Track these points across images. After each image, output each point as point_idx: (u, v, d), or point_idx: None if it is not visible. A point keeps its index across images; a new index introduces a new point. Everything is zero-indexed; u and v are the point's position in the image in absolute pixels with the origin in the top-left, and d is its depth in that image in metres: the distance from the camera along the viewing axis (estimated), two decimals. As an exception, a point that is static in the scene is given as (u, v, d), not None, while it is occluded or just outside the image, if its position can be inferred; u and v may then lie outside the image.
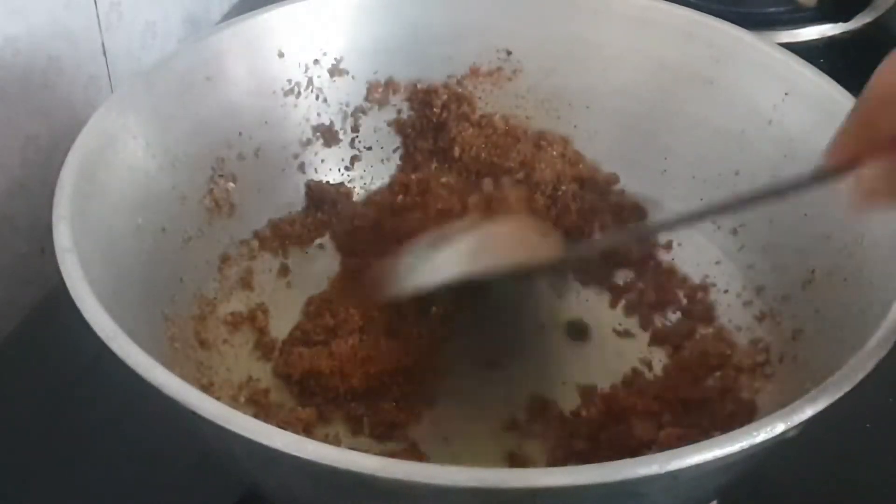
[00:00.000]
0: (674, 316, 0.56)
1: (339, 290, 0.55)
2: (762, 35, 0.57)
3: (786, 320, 0.51)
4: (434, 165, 0.60)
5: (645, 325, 0.55)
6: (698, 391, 0.50)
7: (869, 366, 0.37)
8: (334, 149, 0.60)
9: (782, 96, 0.53)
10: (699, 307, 0.55)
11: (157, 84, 0.51)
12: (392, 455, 0.47)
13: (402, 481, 0.32)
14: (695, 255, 0.57)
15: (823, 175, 0.38)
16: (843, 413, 0.36)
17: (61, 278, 0.39)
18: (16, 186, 0.58)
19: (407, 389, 0.51)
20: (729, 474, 0.38)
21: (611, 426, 0.48)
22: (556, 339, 0.55)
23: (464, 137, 0.59)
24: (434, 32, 0.59)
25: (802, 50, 0.55)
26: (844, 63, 0.72)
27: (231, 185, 0.55)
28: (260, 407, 0.50)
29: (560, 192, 0.59)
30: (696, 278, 0.57)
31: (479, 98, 0.61)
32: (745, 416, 0.48)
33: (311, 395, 0.51)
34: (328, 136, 0.59)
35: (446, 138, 0.59)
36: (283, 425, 0.38)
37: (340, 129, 0.60)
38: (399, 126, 0.61)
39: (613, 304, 0.57)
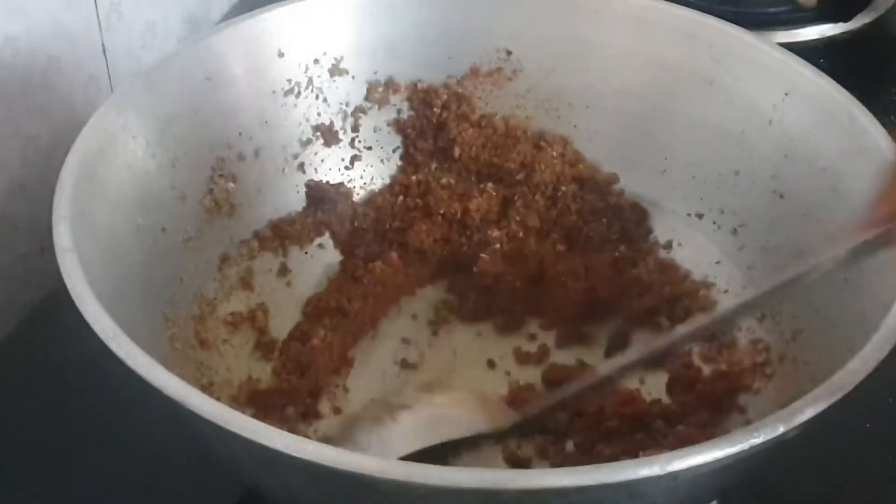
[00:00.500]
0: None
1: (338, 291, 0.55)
2: (762, 35, 0.57)
3: (786, 320, 0.51)
4: (434, 166, 0.60)
5: None
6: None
7: (869, 366, 0.37)
8: (334, 149, 0.60)
9: (782, 96, 0.53)
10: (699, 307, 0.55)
11: (157, 84, 0.51)
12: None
13: (401, 482, 0.32)
14: (695, 255, 0.57)
15: (871, 245, 0.37)
16: (843, 413, 0.36)
17: (61, 278, 0.39)
18: (16, 186, 0.58)
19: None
20: (729, 475, 0.38)
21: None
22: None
23: (464, 138, 0.59)
24: (434, 32, 0.59)
25: (802, 50, 0.55)
26: (844, 63, 0.72)
27: (231, 185, 0.55)
28: (260, 407, 0.50)
29: (560, 193, 0.59)
30: (696, 278, 0.56)
31: (479, 98, 0.61)
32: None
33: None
34: (328, 135, 0.59)
35: (446, 138, 0.59)
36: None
37: (340, 129, 0.60)
38: (399, 126, 0.61)
39: None
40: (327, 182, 0.59)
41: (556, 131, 0.60)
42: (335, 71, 0.58)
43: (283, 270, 0.57)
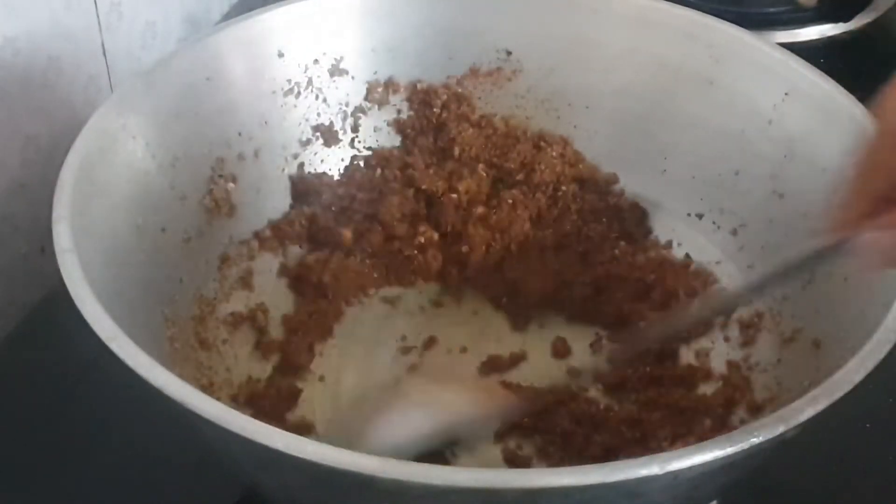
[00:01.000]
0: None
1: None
2: (762, 35, 0.57)
3: (786, 320, 0.51)
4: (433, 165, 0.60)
5: None
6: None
7: (869, 366, 0.37)
8: (334, 149, 0.60)
9: (782, 96, 0.53)
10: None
11: (157, 84, 0.51)
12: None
13: (401, 482, 0.32)
14: (695, 255, 0.57)
15: (829, 250, 0.37)
16: (843, 413, 0.36)
17: (61, 278, 0.39)
18: (16, 186, 0.58)
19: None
20: (729, 474, 0.38)
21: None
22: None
23: (464, 138, 0.59)
24: (434, 32, 0.59)
25: (802, 50, 0.55)
26: (844, 63, 0.72)
27: (231, 185, 0.55)
28: (260, 407, 0.50)
29: (560, 193, 0.59)
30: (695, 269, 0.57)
31: (479, 98, 0.61)
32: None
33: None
34: (328, 136, 0.59)
35: (446, 138, 0.59)
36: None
37: (340, 129, 0.60)
38: (399, 126, 0.61)
39: None
40: (309, 173, 0.59)
41: (556, 131, 0.60)
42: (335, 71, 0.58)
43: (283, 270, 0.57)
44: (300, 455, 0.32)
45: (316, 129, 0.59)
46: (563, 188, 0.59)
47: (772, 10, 0.78)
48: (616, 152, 0.60)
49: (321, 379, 0.52)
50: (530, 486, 0.32)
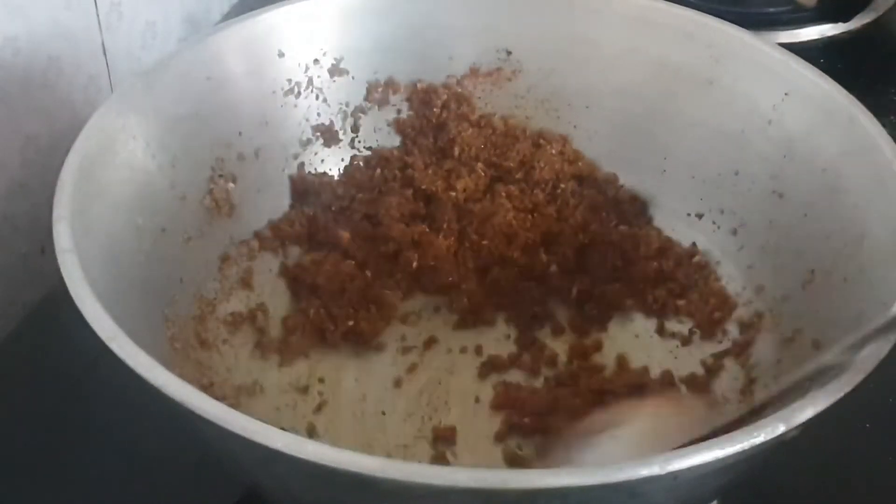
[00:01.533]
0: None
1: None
2: (762, 35, 0.57)
3: (786, 320, 0.51)
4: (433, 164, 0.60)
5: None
6: None
7: (869, 366, 0.37)
8: (334, 149, 0.60)
9: (782, 96, 0.53)
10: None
11: (157, 84, 0.51)
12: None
13: (402, 482, 0.32)
14: (694, 255, 0.57)
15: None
16: (843, 413, 0.36)
17: (61, 278, 0.39)
18: (16, 186, 0.58)
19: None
20: (729, 474, 0.38)
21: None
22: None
23: (463, 138, 0.59)
24: (434, 32, 0.59)
25: (802, 50, 0.55)
26: (844, 63, 0.72)
27: (231, 185, 0.55)
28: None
29: (559, 190, 0.59)
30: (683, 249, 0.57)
31: (479, 98, 0.61)
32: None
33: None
34: (328, 136, 0.59)
35: (446, 138, 0.60)
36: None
37: (340, 129, 0.60)
38: (399, 126, 0.61)
39: None
40: (309, 172, 0.59)
41: (556, 131, 0.60)
42: (335, 71, 0.58)
43: (284, 270, 0.57)
44: (300, 455, 0.32)
45: (316, 128, 0.59)
46: (563, 185, 0.59)
47: (772, 10, 0.78)
48: (616, 152, 0.60)
49: (321, 380, 0.52)
50: (530, 486, 0.32)
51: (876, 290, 0.42)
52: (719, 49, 0.56)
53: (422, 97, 0.60)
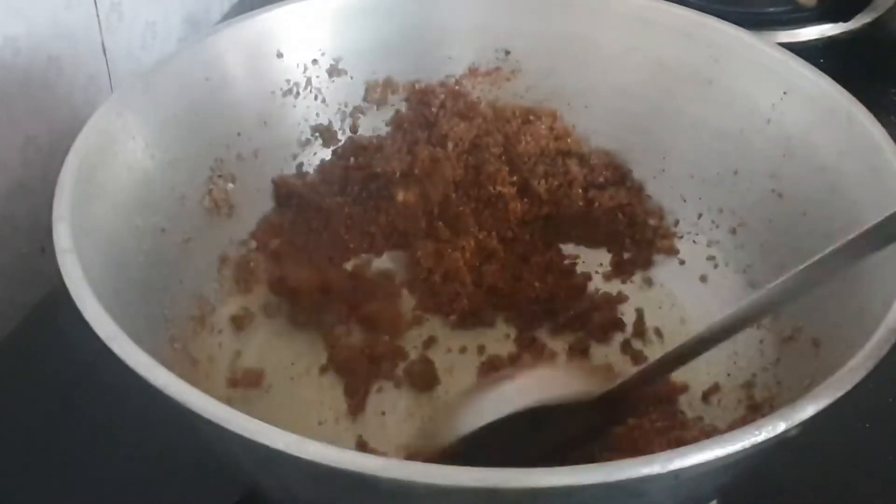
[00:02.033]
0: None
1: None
2: (762, 35, 0.57)
3: (785, 319, 0.51)
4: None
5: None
6: None
7: (869, 366, 0.37)
8: (333, 149, 0.60)
9: (781, 96, 0.53)
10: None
11: (157, 84, 0.51)
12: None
13: (402, 481, 0.32)
14: (694, 254, 0.57)
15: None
16: (843, 413, 0.36)
17: (61, 278, 0.39)
18: (16, 186, 0.58)
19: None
20: (730, 474, 0.38)
21: None
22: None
23: (456, 133, 0.59)
24: (433, 32, 0.59)
25: (802, 50, 0.55)
26: (844, 63, 0.72)
27: (230, 185, 0.55)
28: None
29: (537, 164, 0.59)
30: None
31: (478, 98, 0.61)
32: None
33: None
34: (327, 136, 0.59)
35: (438, 133, 0.59)
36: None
37: (339, 130, 0.60)
38: (397, 124, 0.61)
39: None
40: (291, 174, 0.59)
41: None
42: (334, 71, 0.58)
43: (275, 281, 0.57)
44: (301, 455, 0.32)
45: (315, 129, 0.59)
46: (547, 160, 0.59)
47: (772, 10, 0.78)
48: (615, 152, 0.60)
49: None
50: (531, 486, 0.32)
51: (876, 290, 0.42)
52: (719, 49, 0.56)
53: (420, 97, 0.60)
